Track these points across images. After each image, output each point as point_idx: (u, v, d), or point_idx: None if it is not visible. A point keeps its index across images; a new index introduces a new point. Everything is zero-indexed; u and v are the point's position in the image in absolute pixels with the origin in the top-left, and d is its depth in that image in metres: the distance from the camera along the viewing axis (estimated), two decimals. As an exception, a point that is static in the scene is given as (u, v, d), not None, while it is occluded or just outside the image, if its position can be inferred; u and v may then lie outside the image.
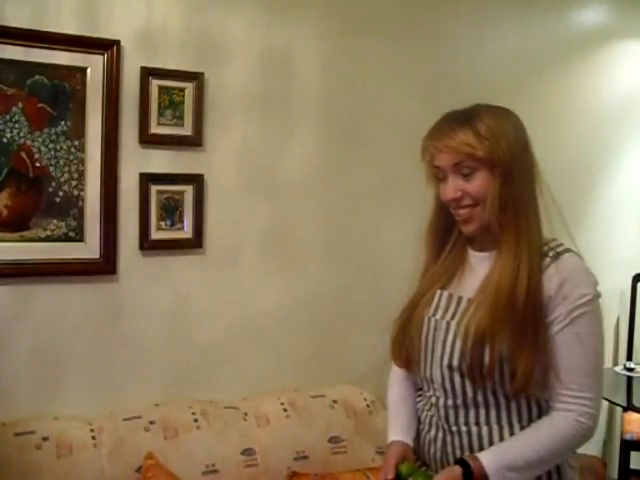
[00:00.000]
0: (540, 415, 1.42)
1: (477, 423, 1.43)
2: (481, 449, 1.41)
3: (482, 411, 1.43)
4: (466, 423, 1.44)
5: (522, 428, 1.41)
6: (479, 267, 1.50)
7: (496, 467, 1.34)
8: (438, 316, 1.51)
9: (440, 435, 1.49)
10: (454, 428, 1.46)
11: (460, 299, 1.49)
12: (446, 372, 1.45)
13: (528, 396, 1.41)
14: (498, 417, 1.42)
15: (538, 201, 1.51)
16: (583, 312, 1.38)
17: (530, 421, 1.42)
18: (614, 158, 3.39)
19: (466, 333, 1.40)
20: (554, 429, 1.38)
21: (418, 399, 1.59)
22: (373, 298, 2.64)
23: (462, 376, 1.42)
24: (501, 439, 1.41)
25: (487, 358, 1.36)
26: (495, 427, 1.42)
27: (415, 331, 1.53)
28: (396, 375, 1.66)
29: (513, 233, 1.42)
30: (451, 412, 1.46)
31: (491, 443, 1.41)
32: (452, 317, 1.48)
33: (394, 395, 1.64)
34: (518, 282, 1.38)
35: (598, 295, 1.44)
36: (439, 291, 1.54)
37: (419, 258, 1.61)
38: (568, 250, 1.53)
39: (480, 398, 1.42)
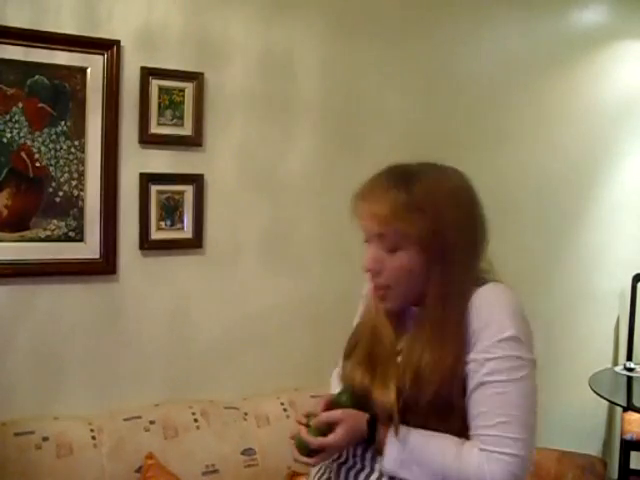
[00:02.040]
0: None
1: None
2: None
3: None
4: None
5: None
6: (411, 320, 1.34)
7: (397, 447, 1.24)
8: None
9: None
10: None
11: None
12: None
13: None
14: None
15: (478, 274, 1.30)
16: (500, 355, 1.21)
17: None
18: (614, 158, 3.40)
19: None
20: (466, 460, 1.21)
21: None
22: (373, 298, 2.63)
23: None
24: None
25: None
26: None
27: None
28: None
29: (454, 313, 1.24)
30: None
31: None
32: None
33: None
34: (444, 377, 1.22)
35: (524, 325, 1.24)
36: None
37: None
38: (486, 283, 1.28)
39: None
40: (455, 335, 1.23)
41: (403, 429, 1.24)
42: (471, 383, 1.22)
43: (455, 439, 1.23)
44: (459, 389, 1.23)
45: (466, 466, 1.20)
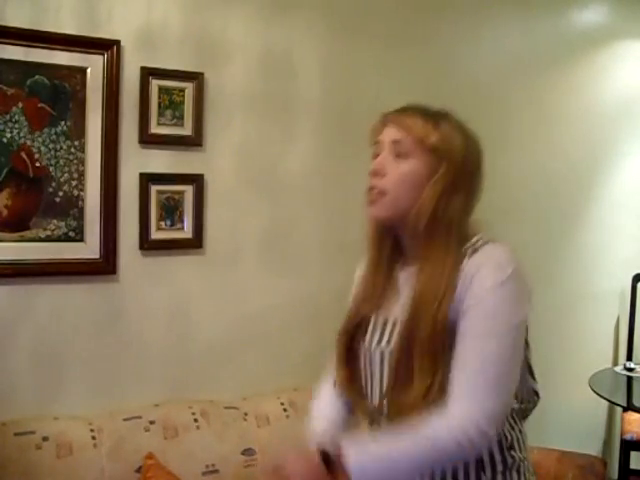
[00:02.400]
0: (494, 469, 1.28)
1: None
2: None
3: None
4: None
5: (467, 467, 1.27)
6: (405, 285, 1.34)
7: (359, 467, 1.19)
8: (374, 345, 1.36)
9: None
10: None
11: (386, 321, 1.36)
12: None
13: None
14: None
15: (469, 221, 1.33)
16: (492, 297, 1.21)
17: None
18: (614, 158, 3.40)
19: (390, 361, 1.29)
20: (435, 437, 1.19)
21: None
22: (373, 298, 2.63)
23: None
24: None
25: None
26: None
27: (355, 363, 1.40)
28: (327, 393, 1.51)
29: (441, 248, 1.27)
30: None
31: None
32: (379, 342, 1.35)
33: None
34: (440, 307, 1.22)
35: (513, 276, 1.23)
36: (374, 316, 1.38)
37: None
38: (488, 242, 1.29)
39: None
40: (452, 270, 1.24)
41: (359, 445, 1.22)
42: (458, 331, 1.22)
43: (413, 428, 1.20)
44: (452, 333, 1.23)
45: (438, 437, 1.17)
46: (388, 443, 1.21)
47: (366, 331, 1.38)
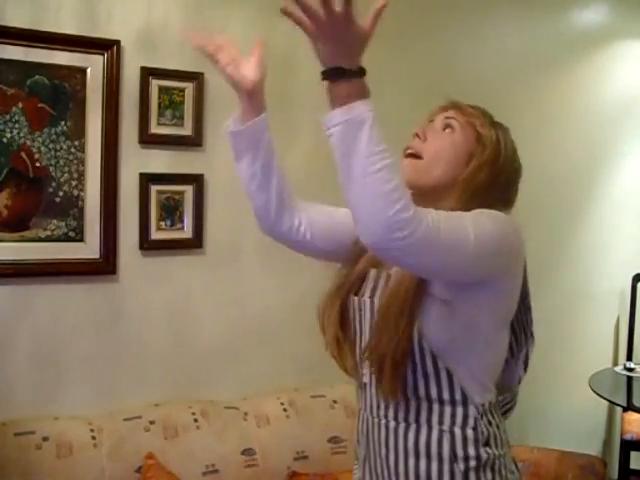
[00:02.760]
0: (465, 423, 1.25)
1: (396, 418, 1.29)
2: (396, 448, 1.28)
3: (402, 406, 1.28)
4: (385, 416, 1.30)
5: (441, 432, 1.25)
6: None
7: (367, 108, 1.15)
8: (366, 296, 1.34)
9: (364, 429, 1.36)
10: (376, 420, 1.32)
11: (380, 274, 1.35)
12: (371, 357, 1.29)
13: (453, 398, 1.25)
14: (417, 415, 1.27)
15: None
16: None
17: (453, 425, 1.25)
18: (614, 158, 3.40)
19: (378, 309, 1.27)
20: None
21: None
22: (373, 298, 2.64)
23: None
24: (417, 440, 1.26)
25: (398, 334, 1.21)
26: (413, 425, 1.27)
27: (345, 313, 1.38)
28: None
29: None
30: (374, 402, 1.32)
31: (406, 442, 1.27)
32: (372, 295, 1.33)
33: None
34: None
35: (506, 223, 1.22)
36: (371, 270, 1.36)
37: None
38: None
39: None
40: None
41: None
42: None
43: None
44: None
45: (394, 186, 1.09)
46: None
47: (361, 285, 1.37)
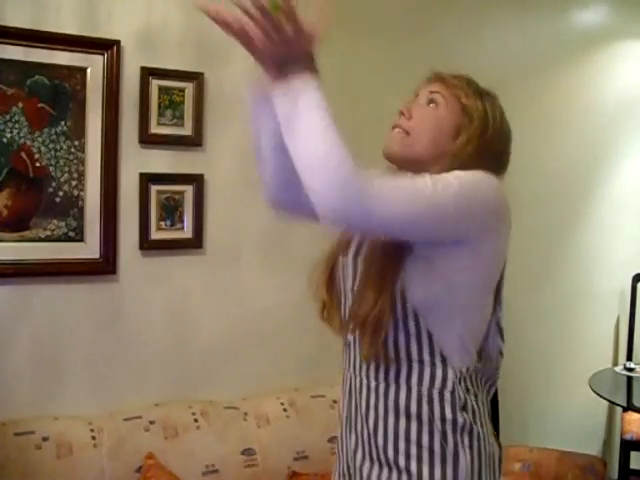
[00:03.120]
0: (443, 386, 1.25)
1: (376, 378, 1.30)
2: (377, 407, 1.29)
3: (382, 366, 1.28)
4: (367, 375, 1.31)
5: (420, 393, 1.25)
6: None
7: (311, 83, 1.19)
8: (350, 256, 1.36)
9: (347, 388, 1.38)
10: (358, 379, 1.33)
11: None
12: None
13: (433, 360, 1.26)
14: (397, 375, 1.27)
15: None
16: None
17: (431, 387, 1.25)
18: (614, 158, 3.40)
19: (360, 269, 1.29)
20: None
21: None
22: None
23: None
24: (396, 400, 1.26)
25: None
26: (393, 386, 1.27)
27: (333, 275, 1.41)
28: None
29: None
30: (357, 361, 1.33)
31: (386, 402, 1.27)
32: (356, 255, 1.35)
33: None
34: None
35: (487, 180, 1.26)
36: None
37: None
38: None
39: None
40: None
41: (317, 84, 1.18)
42: None
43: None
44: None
45: (340, 151, 1.14)
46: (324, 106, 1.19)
47: (348, 248, 1.37)
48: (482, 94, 1.35)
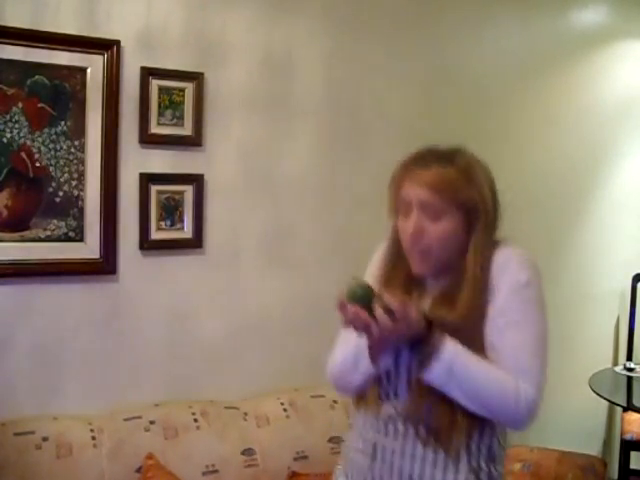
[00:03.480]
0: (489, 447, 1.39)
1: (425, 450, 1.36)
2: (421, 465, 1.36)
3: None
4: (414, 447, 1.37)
5: (470, 464, 1.36)
6: (430, 288, 1.44)
7: (452, 349, 1.28)
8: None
9: (377, 446, 1.41)
10: (397, 446, 1.38)
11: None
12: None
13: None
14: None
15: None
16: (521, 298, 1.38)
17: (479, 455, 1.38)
18: (614, 158, 3.40)
19: None
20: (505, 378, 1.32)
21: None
22: (373, 298, 2.64)
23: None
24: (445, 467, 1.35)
25: None
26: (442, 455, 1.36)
27: None
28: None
29: (478, 268, 1.37)
30: (402, 436, 1.38)
31: (433, 471, 1.35)
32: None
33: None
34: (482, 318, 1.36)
35: (536, 276, 1.45)
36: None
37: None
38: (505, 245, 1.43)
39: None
40: (485, 285, 1.36)
41: (452, 341, 1.29)
42: (494, 325, 1.34)
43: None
44: (482, 324, 1.34)
45: (505, 385, 1.29)
46: (473, 358, 1.30)
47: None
48: (450, 157, 1.38)
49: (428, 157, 1.38)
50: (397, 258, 1.45)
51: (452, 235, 1.36)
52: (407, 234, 1.37)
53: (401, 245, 1.42)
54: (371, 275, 1.48)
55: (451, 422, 1.32)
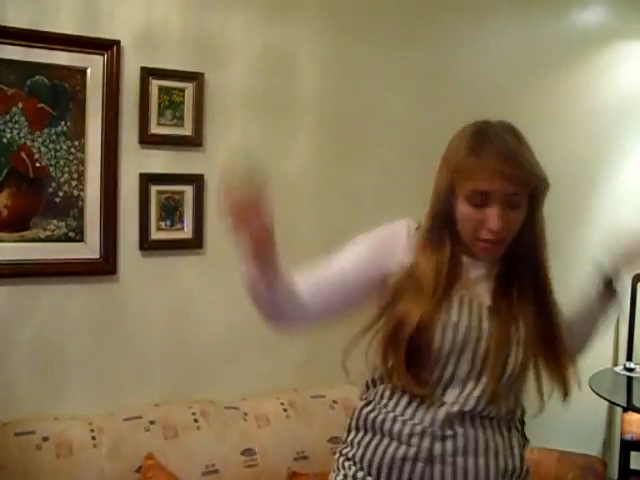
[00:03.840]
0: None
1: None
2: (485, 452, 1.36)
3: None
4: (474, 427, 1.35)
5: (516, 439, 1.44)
6: (475, 271, 1.39)
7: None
8: (465, 322, 1.34)
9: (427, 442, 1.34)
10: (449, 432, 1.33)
11: (480, 306, 1.37)
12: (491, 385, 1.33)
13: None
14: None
15: None
16: None
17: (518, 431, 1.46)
18: (615, 158, 3.40)
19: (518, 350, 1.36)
20: None
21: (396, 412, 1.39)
22: (373, 298, 2.64)
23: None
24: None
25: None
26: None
27: (436, 336, 1.33)
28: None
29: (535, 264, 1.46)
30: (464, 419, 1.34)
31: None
32: (479, 324, 1.35)
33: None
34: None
35: None
36: (459, 295, 1.35)
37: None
38: None
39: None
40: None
41: None
42: None
43: None
44: None
45: None
46: None
47: (447, 308, 1.34)
48: (520, 137, 1.42)
49: (508, 139, 1.35)
50: (443, 239, 1.37)
51: (522, 219, 1.37)
52: (495, 229, 1.30)
53: (452, 226, 1.35)
54: (387, 246, 1.41)
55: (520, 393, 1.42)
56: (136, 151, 2.23)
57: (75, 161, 2.14)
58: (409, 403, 1.37)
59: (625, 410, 3.06)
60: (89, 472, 1.98)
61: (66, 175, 2.13)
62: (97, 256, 2.19)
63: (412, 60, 2.71)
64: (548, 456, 2.56)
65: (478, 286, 1.39)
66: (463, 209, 1.33)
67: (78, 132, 2.14)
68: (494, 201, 1.29)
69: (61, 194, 2.13)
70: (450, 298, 1.34)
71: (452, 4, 2.79)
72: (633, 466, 3.09)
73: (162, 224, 2.29)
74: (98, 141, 2.16)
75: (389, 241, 1.43)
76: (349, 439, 1.47)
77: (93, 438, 2.04)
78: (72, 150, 2.14)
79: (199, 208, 2.34)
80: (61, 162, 2.12)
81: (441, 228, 1.37)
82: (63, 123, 2.12)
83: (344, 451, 1.47)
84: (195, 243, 2.34)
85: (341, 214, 2.62)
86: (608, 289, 1.58)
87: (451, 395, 1.34)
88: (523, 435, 1.46)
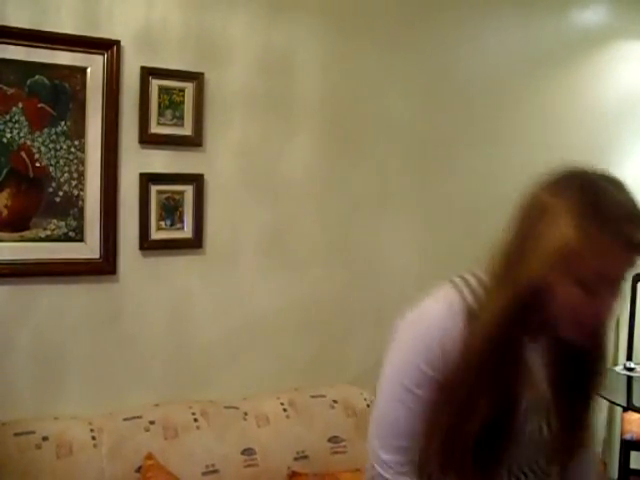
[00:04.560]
0: None
1: None
2: None
3: None
4: None
5: None
6: (531, 357, 1.20)
7: None
8: (535, 427, 1.20)
9: None
10: None
11: (540, 401, 1.21)
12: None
13: None
14: None
15: None
16: None
17: None
18: (615, 158, 3.39)
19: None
20: None
21: None
22: (372, 298, 2.64)
23: None
24: None
25: None
26: None
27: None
28: None
29: None
30: None
31: None
32: (548, 425, 1.22)
33: None
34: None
35: None
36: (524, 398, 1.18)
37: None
38: None
39: None
40: None
41: None
42: None
43: None
44: None
45: None
46: None
47: (517, 413, 1.16)
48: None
49: (620, 203, 1.08)
50: (523, 324, 1.14)
51: None
52: (602, 319, 1.12)
53: (543, 310, 1.11)
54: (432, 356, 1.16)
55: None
56: (136, 151, 2.23)
57: (75, 161, 2.14)
58: None
59: (625, 410, 3.06)
60: (89, 472, 1.98)
61: (66, 175, 2.13)
62: (97, 256, 2.19)
63: (412, 60, 2.72)
64: (548, 456, 2.56)
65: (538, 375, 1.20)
66: (571, 294, 1.08)
67: (78, 132, 2.14)
68: (614, 283, 1.09)
69: (61, 194, 2.13)
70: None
71: (452, 4, 2.79)
72: (633, 466, 3.08)
73: (162, 224, 2.29)
74: (98, 141, 2.16)
75: (440, 351, 1.16)
76: None
77: (93, 438, 2.04)
78: (72, 150, 2.14)
79: (199, 208, 2.34)
80: (61, 162, 2.12)
81: (516, 322, 1.13)
82: (63, 123, 2.12)
83: None
84: (195, 243, 2.34)
85: (341, 214, 2.62)
86: None
87: None
88: None
